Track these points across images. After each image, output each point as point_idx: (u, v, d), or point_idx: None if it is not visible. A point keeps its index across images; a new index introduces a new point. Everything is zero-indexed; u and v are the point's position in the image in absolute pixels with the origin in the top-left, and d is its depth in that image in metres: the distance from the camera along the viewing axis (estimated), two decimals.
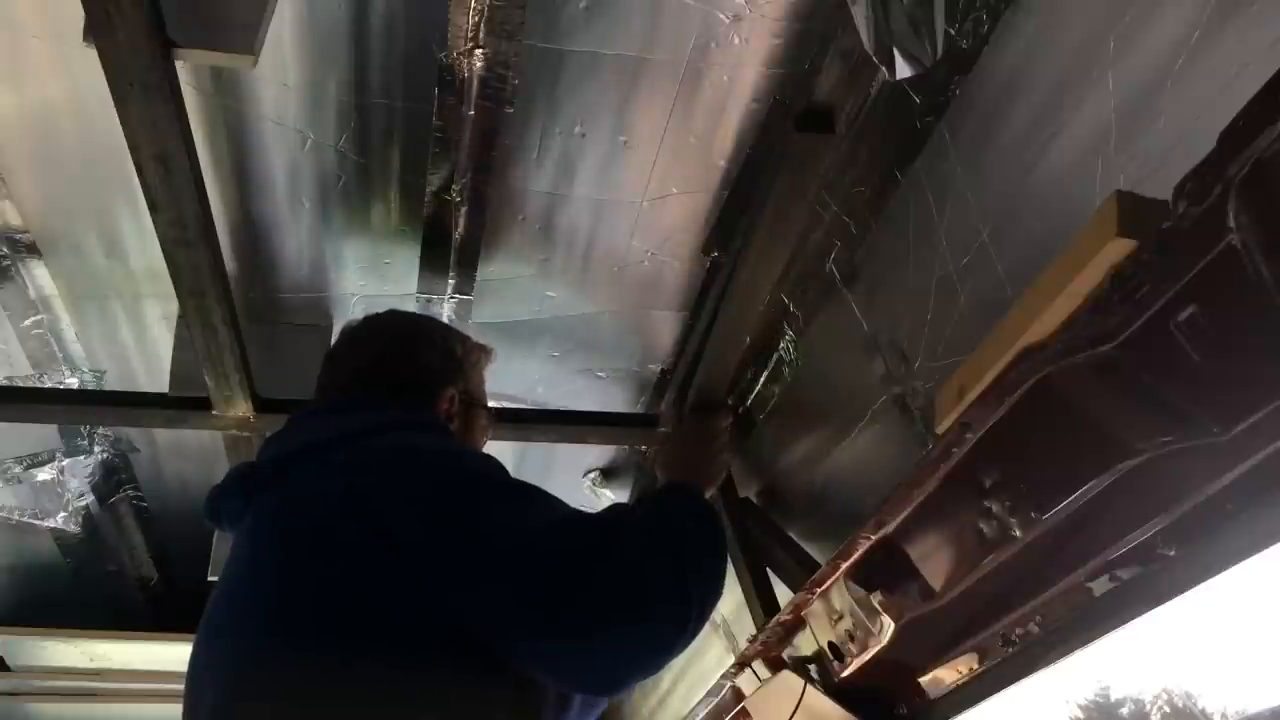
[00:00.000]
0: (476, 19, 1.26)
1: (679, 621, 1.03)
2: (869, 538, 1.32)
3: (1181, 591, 0.96)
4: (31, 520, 2.27)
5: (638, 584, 1.01)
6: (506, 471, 1.15)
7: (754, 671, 1.71)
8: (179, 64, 1.13)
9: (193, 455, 2.14)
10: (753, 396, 1.86)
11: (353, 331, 1.39)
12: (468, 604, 0.96)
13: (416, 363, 1.33)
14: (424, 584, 0.96)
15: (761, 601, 1.77)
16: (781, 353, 1.74)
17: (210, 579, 1.91)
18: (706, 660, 2.35)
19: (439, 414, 1.29)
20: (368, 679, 0.93)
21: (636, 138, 1.43)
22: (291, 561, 1.02)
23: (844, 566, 1.40)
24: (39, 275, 1.64)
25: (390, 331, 1.38)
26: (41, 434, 2.08)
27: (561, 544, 1.01)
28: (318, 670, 0.94)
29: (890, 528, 1.28)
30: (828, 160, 1.37)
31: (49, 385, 1.83)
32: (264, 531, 1.08)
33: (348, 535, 0.99)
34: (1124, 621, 1.03)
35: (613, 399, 1.94)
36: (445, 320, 1.74)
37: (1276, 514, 0.85)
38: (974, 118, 1.20)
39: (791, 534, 1.84)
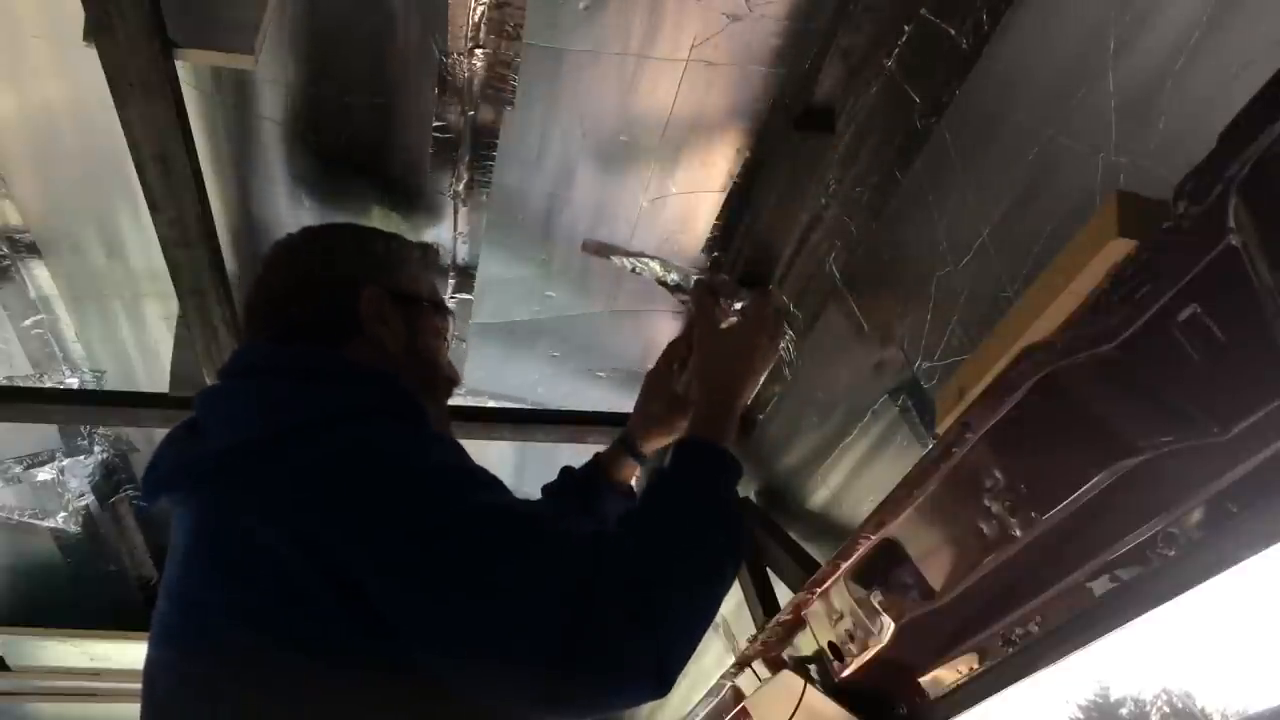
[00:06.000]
0: (476, 19, 1.26)
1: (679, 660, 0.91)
2: (869, 538, 1.32)
3: (1181, 591, 0.96)
4: (31, 520, 2.27)
5: (649, 638, 0.86)
6: (478, 479, 0.96)
7: (754, 671, 1.72)
8: (179, 64, 1.13)
9: None
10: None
11: (264, 261, 1.23)
12: (448, 668, 0.86)
13: (331, 275, 1.16)
14: (390, 635, 0.84)
15: (761, 601, 1.78)
16: (781, 353, 1.74)
17: None
18: (706, 660, 2.35)
19: (365, 330, 1.11)
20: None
21: (636, 138, 1.43)
22: (221, 585, 0.91)
23: (844, 566, 1.40)
24: (39, 275, 1.64)
25: (291, 252, 1.21)
26: (41, 434, 2.08)
27: (569, 599, 0.84)
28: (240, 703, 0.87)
29: (890, 528, 1.28)
30: (828, 160, 1.37)
31: (49, 385, 1.83)
32: (201, 539, 0.96)
33: (292, 569, 0.86)
34: (1124, 621, 1.03)
35: (613, 399, 1.94)
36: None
37: (1276, 514, 0.85)
38: (974, 118, 1.20)
39: (791, 534, 1.85)
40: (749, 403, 1.19)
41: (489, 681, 0.86)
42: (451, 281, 1.69)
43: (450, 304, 1.69)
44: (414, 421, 1.05)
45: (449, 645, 0.85)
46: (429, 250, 1.31)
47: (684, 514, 1.01)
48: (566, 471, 1.49)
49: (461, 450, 1.00)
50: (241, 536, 0.90)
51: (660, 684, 0.87)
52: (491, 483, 0.96)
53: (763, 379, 1.20)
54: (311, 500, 0.88)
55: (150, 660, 0.99)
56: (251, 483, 0.92)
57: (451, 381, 1.27)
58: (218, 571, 0.92)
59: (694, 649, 0.93)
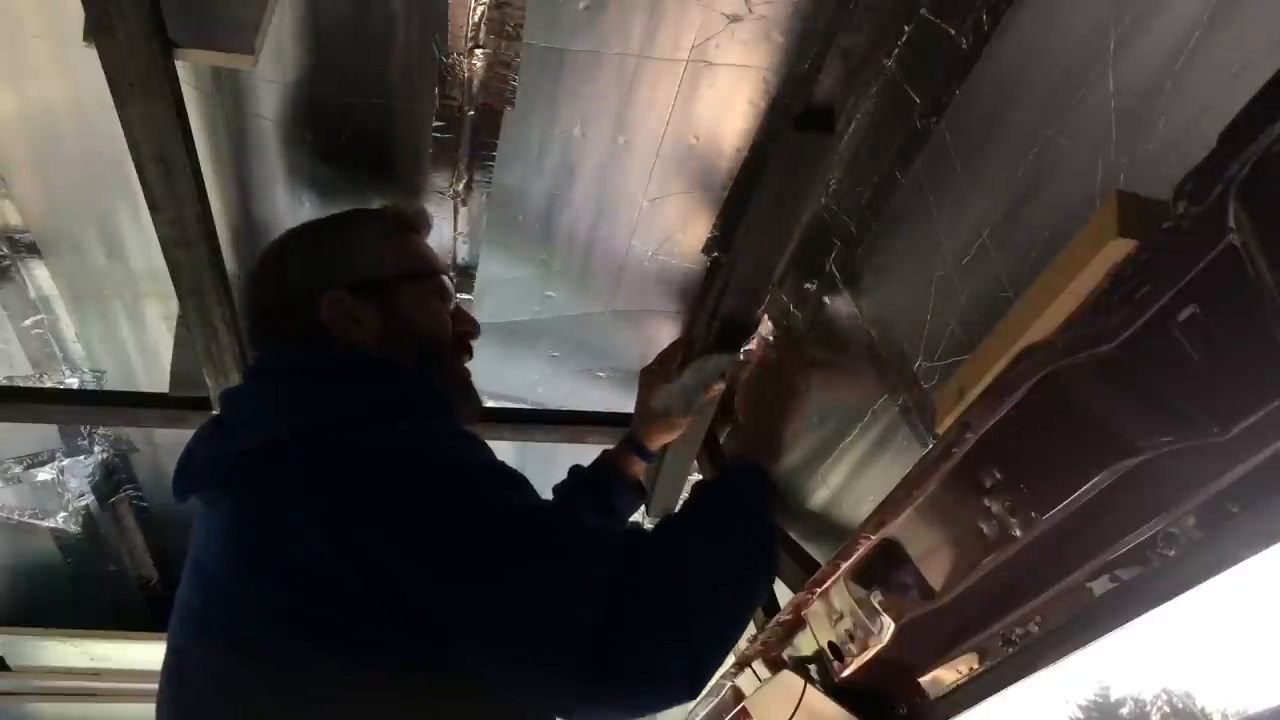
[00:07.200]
0: (476, 19, 1.26)
1: (709, 666, 0.93)
2: (869, 538, 1.32)
3: (1181, 591, 0.96)
4: (31, 520, 2.26)
5: (682, 639, 0.87)
6: (504, 476, 0.97)
7: (754, 671, 1.72)
8: (179, 64, 1.13)
9: None
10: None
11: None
12: (489, 664, 0.86)
13: (286, 288, 1.15)
14: (424, 631, 0.85)
15: None
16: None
17: None
18: None
19: (334, 334, 1.10)
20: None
21: (636, 138, 1.43)
22: (256, 583, 0.90)
23: (844, 566, 1.40)
24: (39, 275, 1.64)
25: (254, 274, 1.21)
26: (41, 434, 2.08)
27: (606, 592, 0.85)
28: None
29: (890, 528, 1.28)
30: (828, 160, 1.37)
31: (49, 385, 1.83)
32: (234, 537, 0.95)
33: (328, 568, 0.86)
34: (1124, 621, 1.03)
35: (613, 399, 1.94)
36: None
37: (1276, 514, 0.85)
38: (974, 118, 1.20)
39: (791, 534, 1.84)
40: (792, 438, 1.34)
41: (520, 677, 0.87)
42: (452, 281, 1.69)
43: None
44: (432, 413, 1.05)
45: (482, 640, 0.85)
46: (387, 214, 1.23)
47: (725, 522, 1.03)
48: (576, 469, 1.49)
49: (485, 446, 1.00)
50: (276, 535, 0.90)
51: (691, 687, 0.87)
52: (520, 481, 0.97)
53: (803, 411, 1.35)
54: (343, 498, 0.88)
55: (172, 656, 0.99)
56: (284, 482, 0.92)
57: (465, 335, 1.24)
58: (252, 569, 0.92)
59: (726, 654, 0.94)
